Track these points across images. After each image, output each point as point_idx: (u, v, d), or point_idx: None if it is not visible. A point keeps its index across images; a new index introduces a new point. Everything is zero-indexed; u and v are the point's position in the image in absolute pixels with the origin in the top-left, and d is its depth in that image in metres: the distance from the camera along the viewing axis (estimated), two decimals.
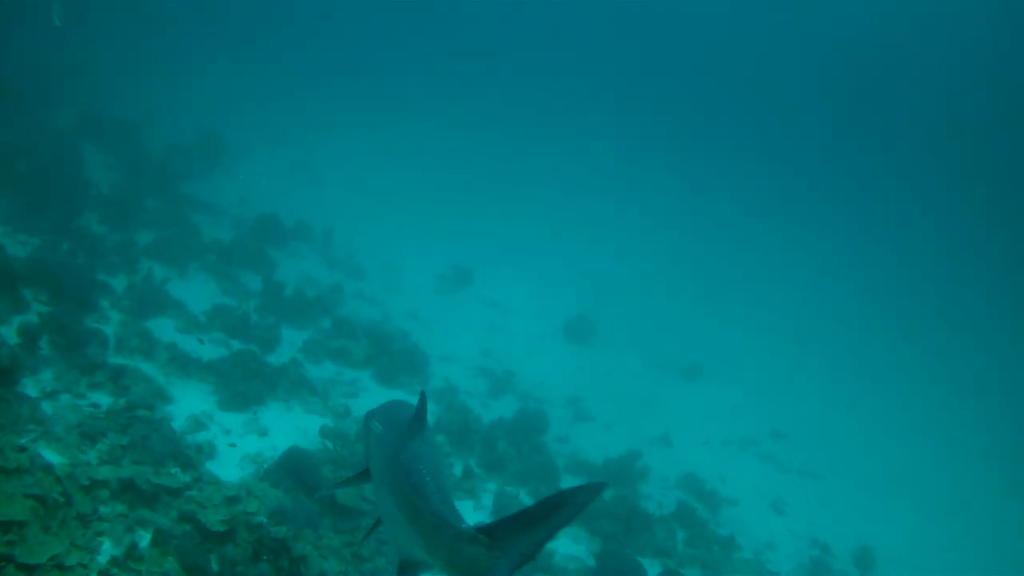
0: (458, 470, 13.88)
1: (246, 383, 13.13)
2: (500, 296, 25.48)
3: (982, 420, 27.10)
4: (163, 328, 14.51)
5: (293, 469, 10.93)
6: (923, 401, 27.68)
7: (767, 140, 62.59)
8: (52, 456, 8.84)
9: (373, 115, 40.16)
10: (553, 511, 3.52)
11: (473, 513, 12.85)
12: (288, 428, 12.78)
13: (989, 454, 24.74)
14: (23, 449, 8.01)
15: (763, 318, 30.46)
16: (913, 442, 24.48)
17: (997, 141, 55.13)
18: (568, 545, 13.19)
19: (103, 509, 8.44)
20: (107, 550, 7.95)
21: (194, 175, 25.14)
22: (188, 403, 12.24)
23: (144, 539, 8.22)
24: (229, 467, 11.15)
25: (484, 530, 3.61)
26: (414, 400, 4.69)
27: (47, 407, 10.07)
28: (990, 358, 33.21)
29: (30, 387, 10.45)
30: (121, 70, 31.81)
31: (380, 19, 62.17)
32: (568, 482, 15.30)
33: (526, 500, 13.79)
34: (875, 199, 55.36)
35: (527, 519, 3.56)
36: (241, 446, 11.76)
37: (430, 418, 4.86)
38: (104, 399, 10.97)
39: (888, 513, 20.12)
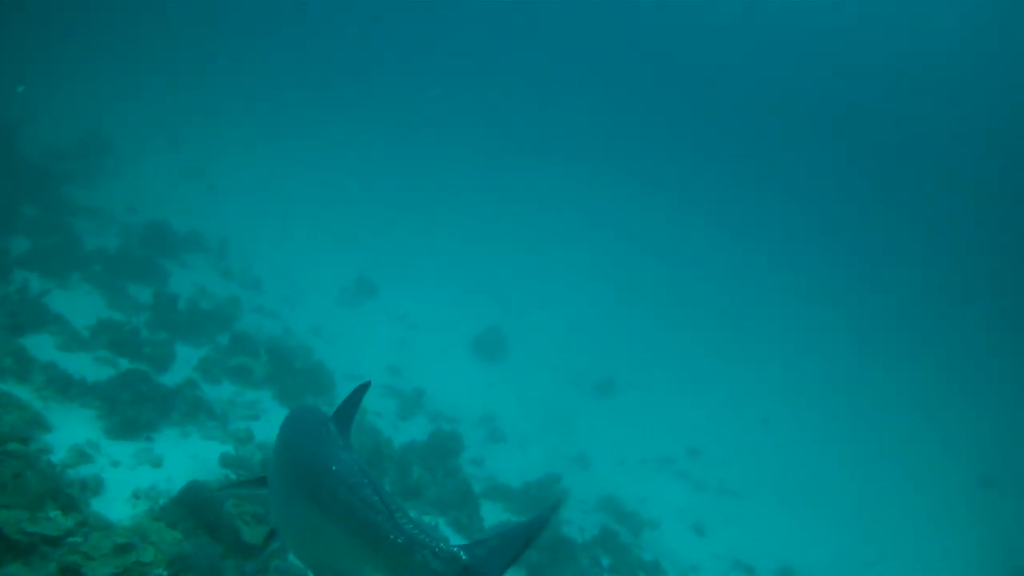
0: None
1: (137, 407, 11.81)
2: (407, 309, 24.47)
3: (895, 432, 27.31)
4: (40, 346, 13.04)
5: (192, 505, 9.72)
6: (834, 415, 27.74)
7: (693, 140, 62.67)
8: None
9: (272, 121, 38.48)
10: (520, 537, 3.33)
11: None
12: (185, 457, 11.53)
13: (904, 466, 24.88)
14: None
15: (676, 331, 30.17)
16: (827, 456, 24.43)
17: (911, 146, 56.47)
18: None
19: None
20: None
21: (76, 179, 23.37)
22: (70, 431, 10.88)
23: None
24: (119, 504, 9.89)
25: (465, 549, 3.37)
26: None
27: None
28: (900, 369, 33.68)
29: None
30: None
31: (273, 20, 60.09)
32: (488, 508, 14.46)
33: (446, 530, 12.85)
34: (781, 203, 56.00)
35: (501, 545, 3.33)
36: (132, 479, 10.48)
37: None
38: None
39: (807, 530, 19.93)
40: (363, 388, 4.50)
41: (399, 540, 3.45)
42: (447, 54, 64.06)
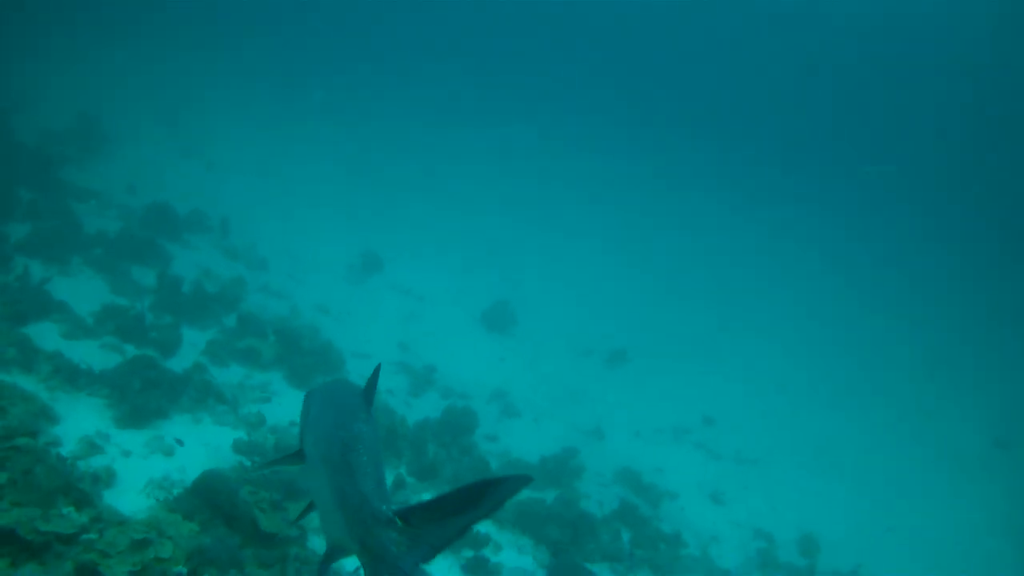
0: (389, 481, 12.59)
1: (146, 395, 11.53)
2: (414, 283, 24.11)
3: (909, 396, 27.07)
4: (45, 334, 12.75)
5: (208, 495, 9.48)
6: (849, 378, 27.49)
7: (693, 109, 61.94)
8: None
9: (272, 96, 37.94)
10: (473, 502, 3.31)
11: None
12: (197, 445, 11.27)
13: (919, 430, 24.67)
14: None
15: (686, 300, 29.83)
16: (842, 421, 24.20)
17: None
18: (514, 557, 12.09)
19: None
20: None
21: (74, 162, 22.96)
22: (79, 422, 10.61)
23: None
24: (132, 495, 9.64)
25: (401, 514, 3.46)
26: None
27: None
28: (914, 333, 33.41)
29: None
30: None
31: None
32: None
33: None
34: (784, 172, 55.48)
35: (445, 507, 3.35)
36: (144, 469, 10.22)
37: None
38: None
39: (824, 496, 19.75)
40: (378, 370, 4.50)
41: (354, 501, 3.65)
42: (449, 27, 63.37)
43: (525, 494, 14.25)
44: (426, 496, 12.64)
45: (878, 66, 56.23)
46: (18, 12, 35.51)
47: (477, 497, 3.30)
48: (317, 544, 10.33)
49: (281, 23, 57.58)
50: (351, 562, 4.35)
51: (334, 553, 4.10)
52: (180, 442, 11.05)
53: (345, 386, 4.74)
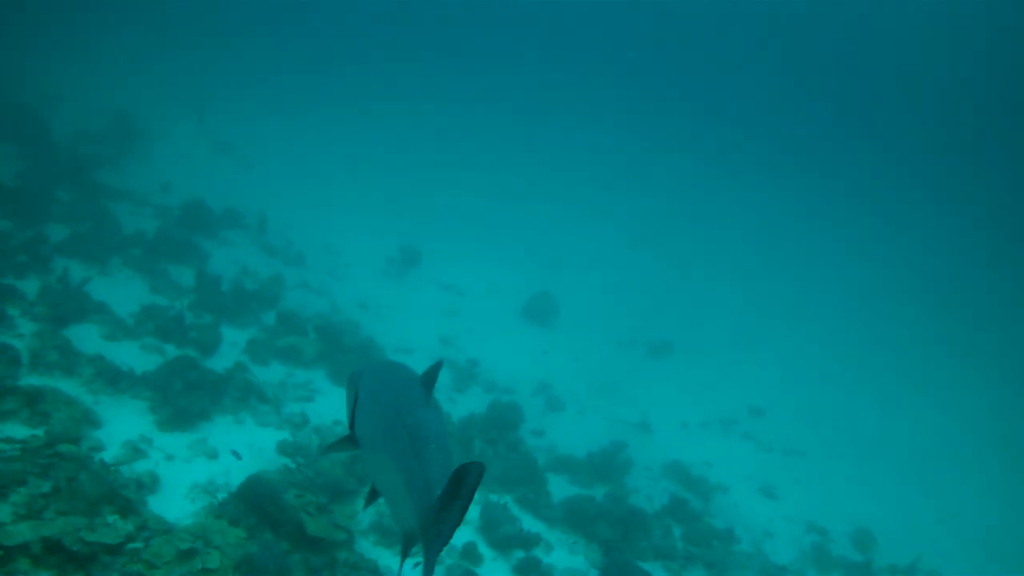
0: None
1: (188, 396, 11.33)
2: (454, 277, 23.80)
3: (957, 381, 26.42)
4: (86, 337, 12.60)
5: (254, 500, 9.25)
6: (896, 366, 26.87)
7: (736, 103, 61.06)
8: None
9: (302, 90, 37.74)
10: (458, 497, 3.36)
11: (459, 531, 11.30)
12: (241, 447, 11.04)
13: (961, 417, 24.03)
14: None
15: (729, 289, 29.29)
16: (887, 410, 23.63)
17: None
18: (565, 557, 11.77)
19: None
20: None
21: (110, 162, 22.90)
22: (121, 426, 10.43)
23: None
24: (177, 500, 9.44)
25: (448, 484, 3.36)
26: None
27: None
28: (963, 318, 32.65)
29: None
30: (17, 52, 29.13)
31: None
32: (554, 482, 13.92)
33: (515, 509, 12.33)
34: (838, 162, 54.47)
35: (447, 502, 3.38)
36: (188, 473, 10.02)
37: None
38: (19, 430, 9.14)
39: (874, 487, 19.22)
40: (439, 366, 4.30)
41: (420, 485, 3.69)
42: (480, 19, 62.92)
43: (574, 491, 13.98)
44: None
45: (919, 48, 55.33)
46: (51, 13, 35.70)
47: (458, 492, 3.35)
48: (365, 547, 10.08)
49: (316, 13, 57.47)
50: None
51: (408, 542, 4.02)
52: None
53: (398, 369, 4.60)
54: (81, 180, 20.11)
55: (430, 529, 3.50)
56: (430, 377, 4.18)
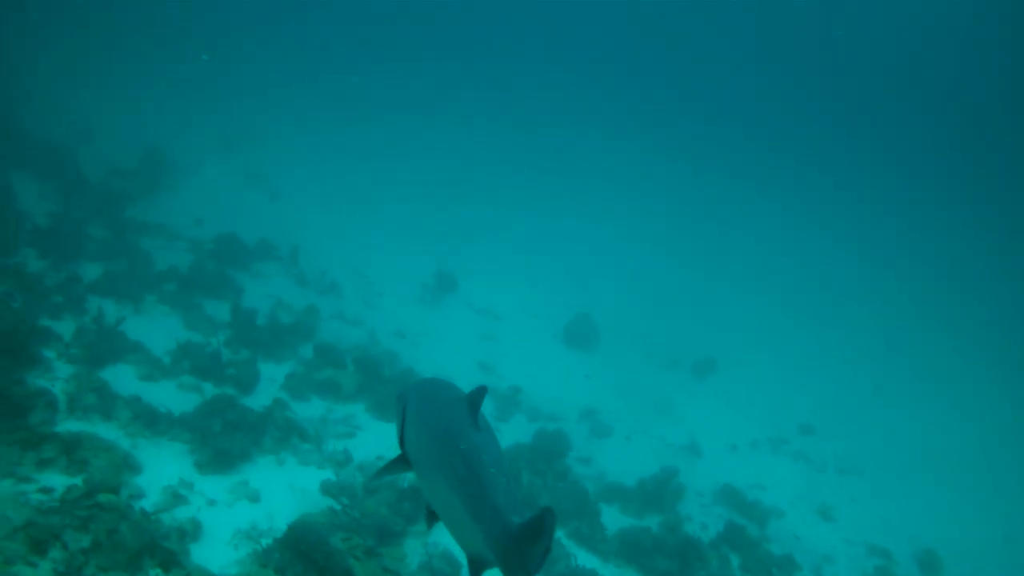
0: None
1: (228, 437, 11.00)
2: (490, 301, 23.39)
3: (1012, 393, 25.59)
4: (122, 378, 12.34)
5: (299, 546, 8.86)
6: (954, 377, 26.11)
7: (771, 117, 60.25)
8: None
9: (330, 119, 37.64)
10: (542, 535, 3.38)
11: None
12: (283, 488, 10.70)
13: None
14: None
15: (772, 303, 28.65)
16: (950, 423, 22.90)
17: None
18: None
19: None
20: None
21: (141, 197, 22.79)
22: (161, 470, 10.11)
23: None
24: (220, 547, 9.10)
25: (526, 526, 3.43)
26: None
27: None
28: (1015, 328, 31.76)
29: None
30: (46, 88, 29.23)
31: (322, 16, 59.38)
32: (606, 512, 13.43)
33: (568, 544, 11.87)
34: (890, 173, 53.48)
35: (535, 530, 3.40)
36: (231, 518, 9.67)
37: None
38: (57, 479, 8.83)
39: (934, 505, 18.52)
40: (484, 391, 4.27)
41: (489, 514, 3.63)
42: (532, 33, 62.67)
43: (626, 521, 13.51)
44: None
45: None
46: (79, 50, 35.94)
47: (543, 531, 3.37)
48: None
49: (339, 36, 57.60)
50: None
51: (477, 566, 3.89)
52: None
53: (444, 388, 4.55)
54: (114, 216, 19.98)
55: (511, 560, 3.49)
56: (476, 401, 4.15)
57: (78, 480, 8.75)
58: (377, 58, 55.39)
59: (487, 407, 16.36)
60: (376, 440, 13.28)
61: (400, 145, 36.75)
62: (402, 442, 4.52)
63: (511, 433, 15.61)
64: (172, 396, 12.34)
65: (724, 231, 35.25)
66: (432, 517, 4.35)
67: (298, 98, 40.48)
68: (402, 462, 4.52)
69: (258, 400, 13.08)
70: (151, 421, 11.02)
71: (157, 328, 14.92)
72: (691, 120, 57.67)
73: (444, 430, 4.06)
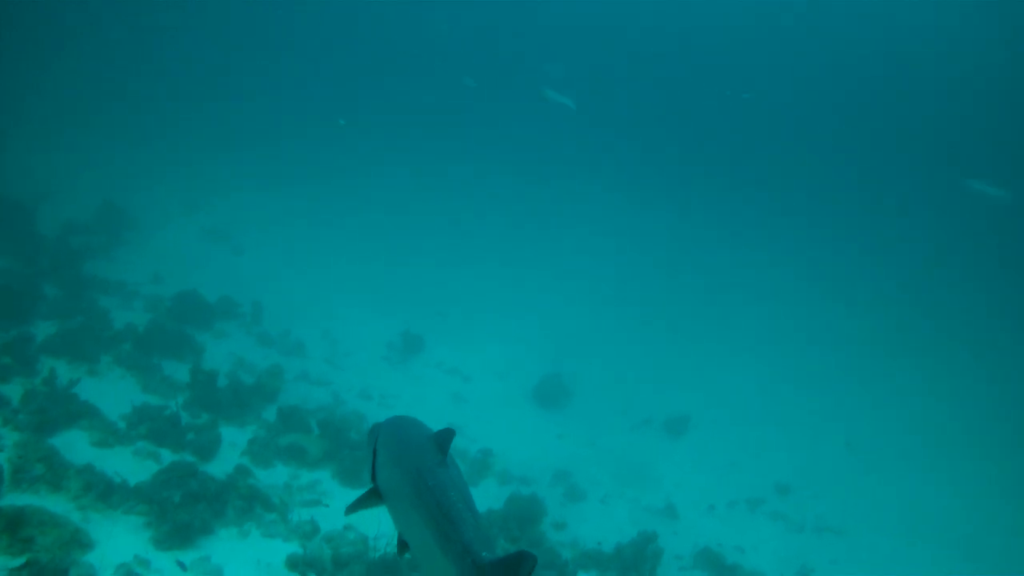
0: None
1: (188, 509, 10.34)
2: (459, 361, 22.81)
3: (990, 443, 25.30)
4: (74, 445, 11.69)
5: None
6: (930, 428, 25.80)
7: (746, 167, 60.12)
8: None
9: (293, 174, 37.01)
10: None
11: None
12: (248, 564, 10.05)
13: (1004, 480, 22.93)
14: None
15: (742, 358, 28.27)
16: (920, 476, 22.59)
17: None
18: None
19: None
20: None
21: (98, 254, 22.18)
22: (115, 547, 9.43)
23: None
24: None
25: (499, 563, 3.68)
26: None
27: None
28: (996, 371, 31.41)
29: None
30: (5, 146, 28.57)
31: (288, 69, 59.17)
32: None
33: None
34: (863, 209, 53.46)
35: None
36: None
37: None
38: None
39: (919, 565, 18.07)
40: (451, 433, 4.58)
41: (458, 550, 3.89)
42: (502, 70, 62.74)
43: None
44: None
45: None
46: (39, 99, 35.33)
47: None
48: None
49: (299, 86, 57.32)
50: None
51: None
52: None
53: (415, 427, 4.84)
54: (70, 273, 19.33)
55: None
56: (444, 440, 4.46)
57: (20, 561, 8.09)
58: (342, 111, 55.14)
59: None
60: (343, 509, 12.65)
61: (365, 201, 36.29)
62: (374, 476, 4.72)
63: (482, 498, 14.96)
64: (128, 464, 11.70)
65: (695, 287, 34.96)
66: (404, 547, 4.55)
67: (263, 153, 39.98)
68: (374, 495, 4.74)
69: (219, 467, 12.47)
70: (105, 492, 10.36)
71: (112, 390, 14.31)
72: (664, 172, 57.48)
73: (415, 468, 4.30)
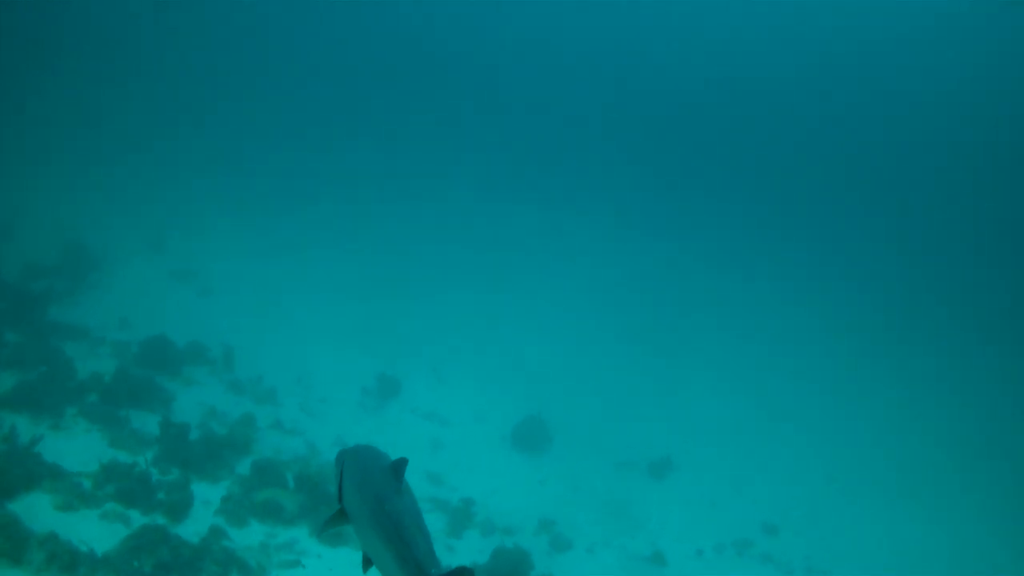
0: None
1: None
2: (436, 405, 22.22)
3: (977, 478, 25.13)
4: (37, 509, 11.05)
5: None
6: (914, 460, 25.62)
7: (732, 201, 59.84)
8: None
9: (263, 213, 36.30)
10: None
11: None
12: None
13: (993, 515, 22.72)
14: None
15: (725, 394, 27.93)
16: (916, 512, 22.35)
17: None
18: None
19: None
20: None
21: (62, 297, 21.39)
22: None
23: None
24: None
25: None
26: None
27: None
28: (982, 407, 31.34)
29: None
30: None
31: (257, 102, 58.43)
32: None
33: None
34: (842, 239, 53.56)
35: None
36: None
37: None
38: None
39: None
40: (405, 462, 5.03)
41: (412, 569, 4.43)
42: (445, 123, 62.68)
43: None
44: None
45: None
46: None
47: None
48: None
49: (268, 118, 56.65)
50: None
51: None
52: None
53: (376, 456, 5.30)
54: (31, 319, 18.60)
55: None
56: (398, 470, 4.94)
57: None
58: (314, 138, 54.64)
59: (438, 523, 15.35)
60: (323, 567, 12.11)
61: (338, 238, 35.67)
62: (340, 498, 5.23)
63: (466, 551, 14.52)
64: (95, 529, 11.08)
65: (674, 323, 34.57)
66: (368, 562, 5.02)
67: (228, 182, 39.28)
68: (342, 515, 5.25)
69: (192, 527, 11.88)
70: (70, 563, 9.76)
71: (78, 446, 13.63)
72: (646, 205, 56.97)
73: (374, 494, 4.81)
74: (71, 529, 10.58)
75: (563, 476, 19.94)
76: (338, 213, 39.31)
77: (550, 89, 67.18)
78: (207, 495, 13.22)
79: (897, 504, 22.82)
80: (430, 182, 49.91)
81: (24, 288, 20.74)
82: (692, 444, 23.42)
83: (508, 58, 69.90)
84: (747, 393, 28.36)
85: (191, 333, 20.36)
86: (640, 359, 29.30)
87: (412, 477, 13.67)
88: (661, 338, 31.73)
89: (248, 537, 12.36)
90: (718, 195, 59.37)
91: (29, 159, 33.60)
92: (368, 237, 36.98)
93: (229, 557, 11.05)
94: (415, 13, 70.98)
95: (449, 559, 13.50)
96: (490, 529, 15.95)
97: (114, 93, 49.48)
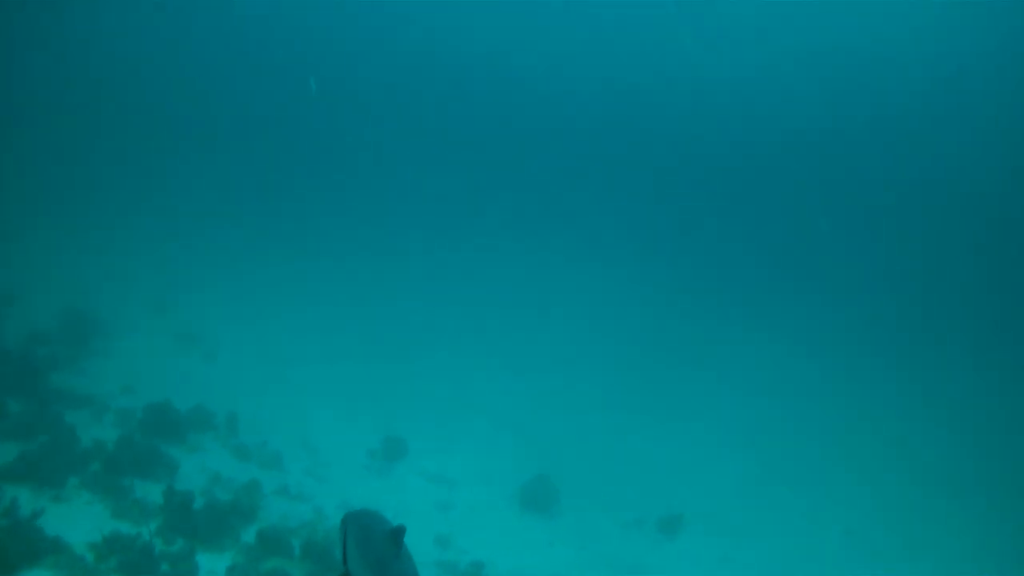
0: None
1: None
2: (443, 466, 22.03)
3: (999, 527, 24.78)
4: None
5: None
6: (929, 513, 25.26)
7: (736, 253, 59.69)
8: None
9: (267, 276, 36.33)
10: None
11: None
12: None
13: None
14: None
15: (734, 449, 27.64)
16: (936, 569, 21.98)
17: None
18: None
19: None
20: None
21: (65, 364, 21.32)
22: None
23: None
24: None
25: None
26: None
27: None
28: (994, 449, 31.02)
29: None
30: None
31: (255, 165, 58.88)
32: None
33: None
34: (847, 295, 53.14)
35: None
36: None
37: None
38: None
39: None
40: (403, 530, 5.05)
41: None
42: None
43: None
44: None
45: None
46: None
47: None
48: None
49: (267, 184, 56.94)
50: None
51: None
52: None
53: (378, 521, 5.29)
54: (34, 388, 18.48)
55: None
56: (397, 536, 4.91)
57: None
58: (315, 185, 55.01)
59: None
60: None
61: (341, 297, 35.70)
62: (345, 561, 5.24)
63: None
64: None
65: (681, 376, 34.32)
66: None
67: (230, 246, 39.41)
68: None
69: None
70: None
71: (80, 518, 13.47)
72: (647, 256, 56.84)
73: (376, 558, 4.85)
74: None
75: (572, 536, 19.70)
76: (341, 271, 39.40)
77: (546, 155, 67.71)
78: (212, 565, 13.03)
79: (918, 558, 22.44)
80: (431, 242, 50.08)
81: (27, 355, 20.68)
82: (703, 498, 23.17)
83: (497, 127, 70.31)
84: (757, 448, 28.04)
85: (195, 397, 20.24)
86: (648, 416, 29.03)
87: (420, 540, 13.56)
88: (668, 394, 31.51)
89: None
90: (725, 253, 59.32)
91: (30, 225, 33.77)
92: (372, 297, 36.98)
93: None
94: (409, 84, 71.74)
95: None
96: None
97: (113, 153, 49.98)
